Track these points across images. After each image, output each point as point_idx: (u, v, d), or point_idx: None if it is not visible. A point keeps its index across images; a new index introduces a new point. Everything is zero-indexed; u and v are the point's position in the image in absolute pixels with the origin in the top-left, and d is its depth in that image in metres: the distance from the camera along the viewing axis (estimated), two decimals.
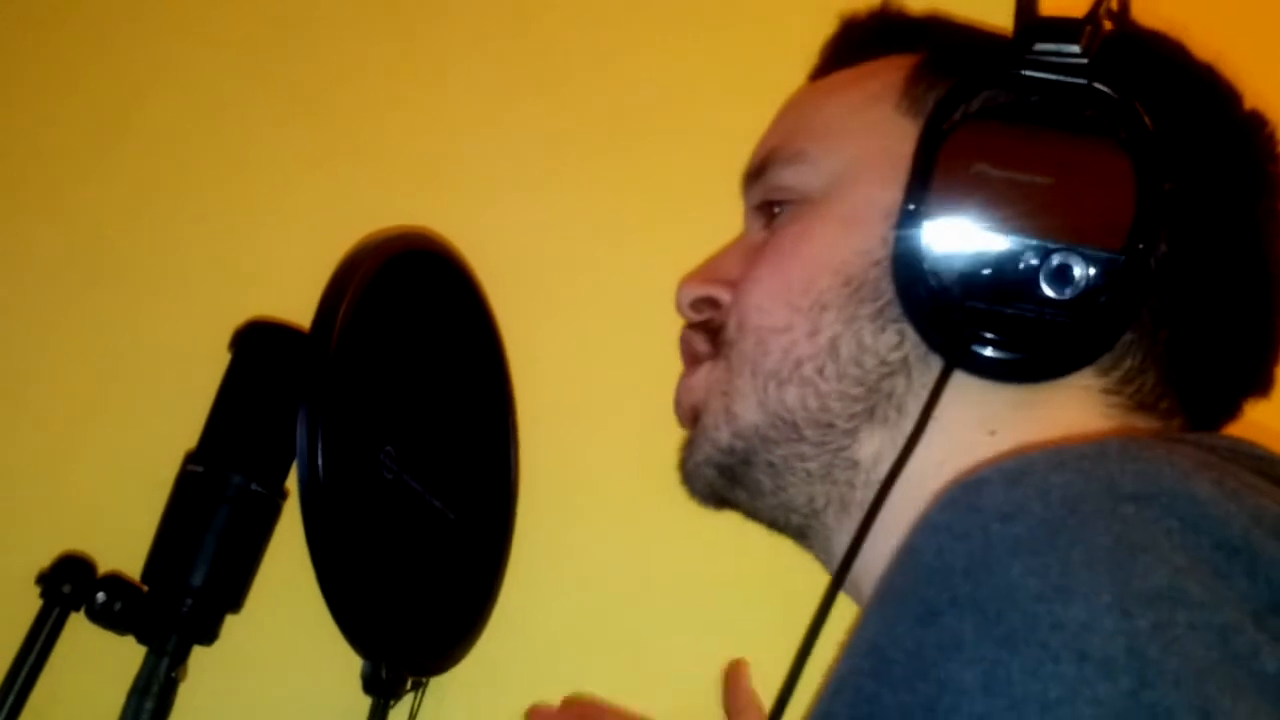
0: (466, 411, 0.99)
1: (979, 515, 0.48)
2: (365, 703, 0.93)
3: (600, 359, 1.06)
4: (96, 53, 1.16)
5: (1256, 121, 0.70)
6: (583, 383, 1.06)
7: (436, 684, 0.97)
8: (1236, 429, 0.71)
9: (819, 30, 0.87)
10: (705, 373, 0.74)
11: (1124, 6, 0.71)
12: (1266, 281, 0.69)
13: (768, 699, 0.62)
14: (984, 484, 0.49)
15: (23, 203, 1.13)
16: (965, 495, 0.49)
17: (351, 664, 0.89)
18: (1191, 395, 0.68)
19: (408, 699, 0.96)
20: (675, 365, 0.86)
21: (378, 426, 0.86)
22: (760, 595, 0.97)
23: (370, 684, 0.93)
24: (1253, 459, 0.56)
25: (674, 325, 0.82)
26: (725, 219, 0.85)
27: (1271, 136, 0.70)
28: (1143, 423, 0.67)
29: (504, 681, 1.01)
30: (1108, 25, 0.69)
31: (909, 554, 0.50)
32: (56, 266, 1.11)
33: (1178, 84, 0.69)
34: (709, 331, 0.75)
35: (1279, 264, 0.70)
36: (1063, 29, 0.64)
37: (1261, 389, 0.71)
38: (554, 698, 1.01)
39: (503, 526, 1.01)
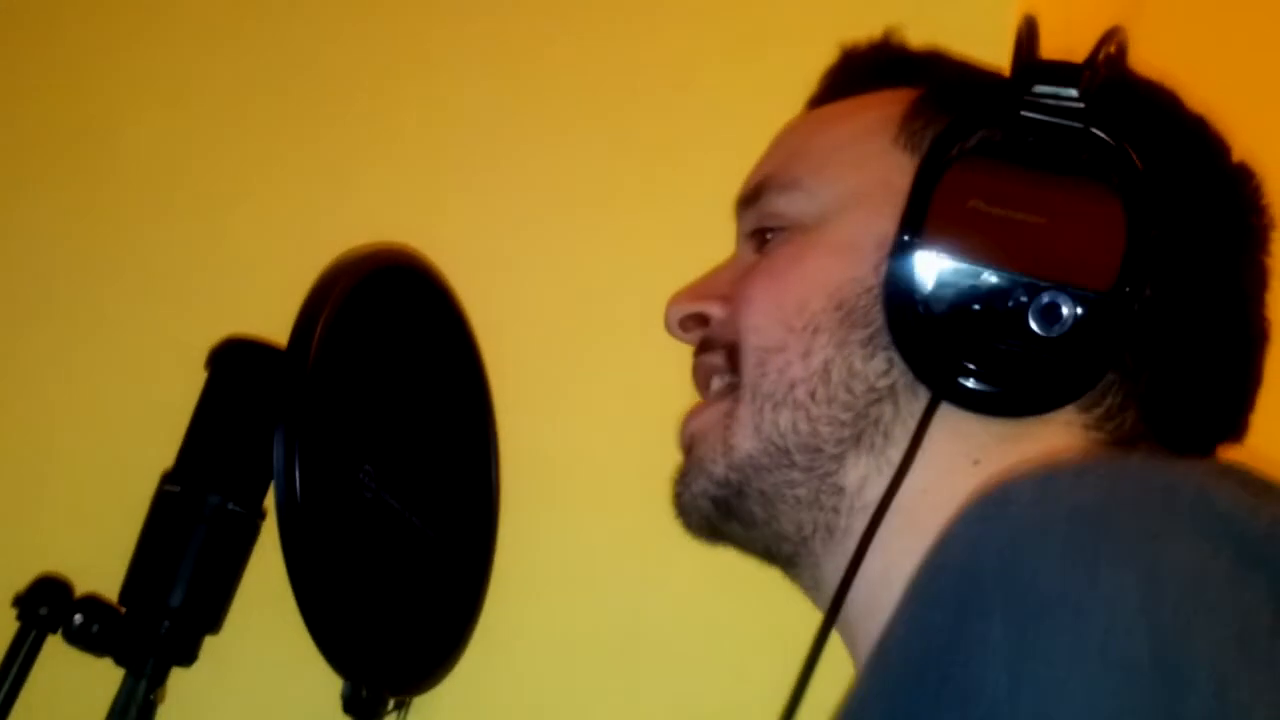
0: (446, 429, 0.98)
1: (1004, 523, 0.49)
2: None
3: (583, 375, 1.06)
4: (82, 73, 1.15)
5: (1244, 174, 0.72)
6: (565, 399, 1.05)
7: (419, 703, 0.97)
8: None
9: (813, 42, 0.87)
10: (715, 408, 0.75)
11: (1120, 53, 0.71)
12: (1245, 330, 0.71)
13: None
14: (1009, 494, 0.50)
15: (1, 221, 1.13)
16: (991, 506, 0.50)
17: (332, 684, 0.89)
18: (1167, 435, 0.69)
19: (390, 719, 0.95)
20: (659, 380, 0.86)
21: (356, 445, 0.86)
22: (751, 613, 0.97)
23: (351, 704, 0.92)
24: (1241, 476, 0.57)
25: (657, 340, 0.82)
26: (711, 232, 0.85)
27: (1258, 189, 0.72)
28: None
29: (487, 700, 1.00)
30: (1104, 70, 0.70)
31: (938, 563, 0.51)
32: (32, 285, 1.10)
33: (1170, 133, 0.71)
34: (726, 349, 0.75)
35: (1259, 313, 0.71)
36: (1062, 72, 0.66)
37: (1235, 435, 0.73)
38: (538, 716, 1.01)
39: (484, 544, 1.00)
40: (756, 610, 0.95)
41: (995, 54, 0.79)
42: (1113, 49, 0.69)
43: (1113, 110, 0.66)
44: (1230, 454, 0.73)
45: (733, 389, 0.73)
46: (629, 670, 1.01)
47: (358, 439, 0.86)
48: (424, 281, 0.98)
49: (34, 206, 1.13)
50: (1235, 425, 0.72)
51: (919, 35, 0.85)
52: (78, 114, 1.15)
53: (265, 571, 0.84)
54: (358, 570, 0.85)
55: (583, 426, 1.04)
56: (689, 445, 0.77)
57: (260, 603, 0.86)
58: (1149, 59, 0.74)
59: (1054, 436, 0.67)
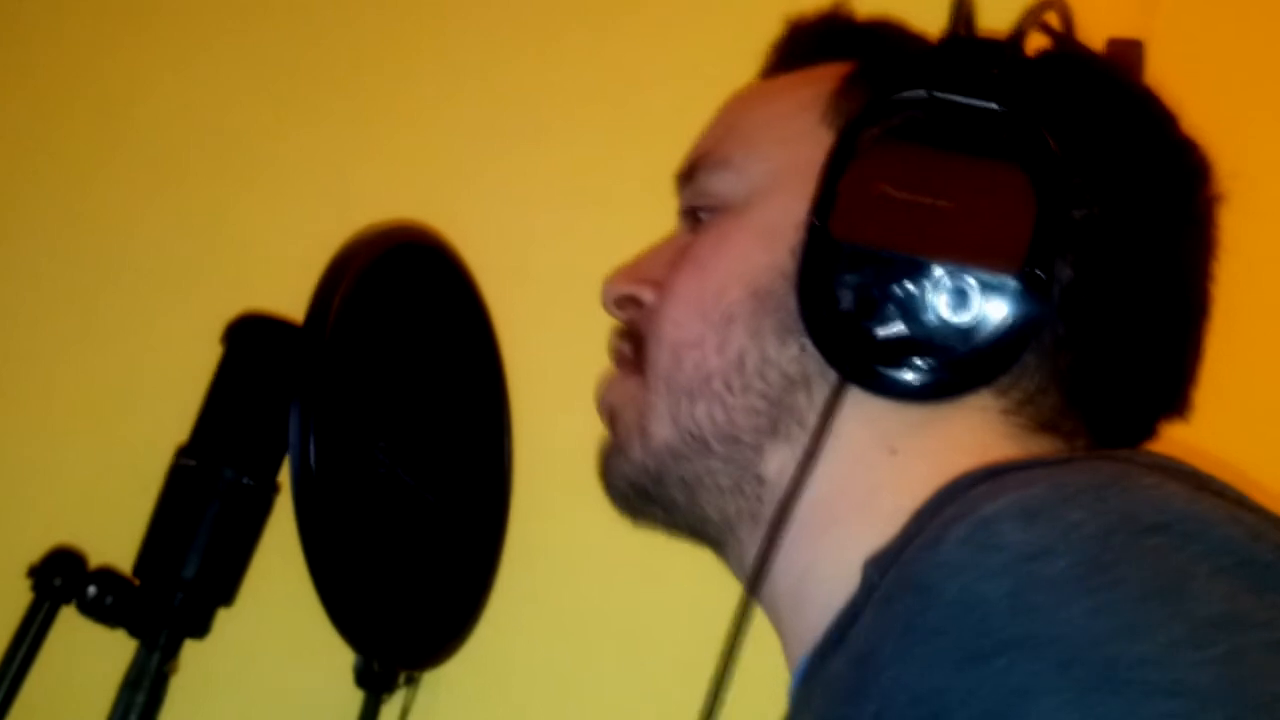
0: (460, 406, 0.98)
1: (1003, 553, 0.47)
2: (358, 696, 0.93)
3: (595, 353, 1.05)
4: (95, 46, 1.15)
5: (1188, 149, 0.69)
6: (577, 377, 1.05)
7: (430, 678, 0.97)
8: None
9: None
10: (626, 384, 0.75)
11: (1067, 25, 0.70)
12: (1184, 309, 0.69)
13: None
14: (994, 521, 0.49)
15: (17, 197, 1.13)
16: (978, 533, 0.49)
17: (344, 658, 0.89)
18: (1097, 417, 0.68)
19: (401, 693, 0.96)
20: None
21: (371, 420, 0.86)
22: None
23: (363, 678, 0.93)
24: (1185, 475, 0.56)
25: None
26: None
27: (1203, 164, 0.69)
28: (1045, 442, 0.66)
29: (497, 676, 1.01)
30: (1046, 42, 0.68)
31: (922, 592, 0.49)
32: (49, 260, 1.10)
33: (1105, 108, 0.68)
34: (634, 341, 0.74)
35: (1200, 291, 0.69)
36: (983, 48, 0.65)
37: (1178, 412, 0.71)
38: (548, 692, 1.01)
39: (497, 521, 1.00)
40: None
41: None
42: (1056, 21, 0.68)
43: (1038, 86, 0.64)
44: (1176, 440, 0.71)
45: (638, 367, 0.73)
46: (637, 648, 1.01)
47: (372, 415, 0.87)
48: (440, 259, 0.98)
49: (50, 185, 1.13)
50: (1175, 403, 0.70)
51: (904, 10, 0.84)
52: (93, 94, 1.14)
53: (279, 545, 0.84)
54: (371, 545, 0.85)
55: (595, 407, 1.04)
56: (609, 418, 0.77)
57: (274, 576, 0.87)
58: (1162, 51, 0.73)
59: (970, 423, 0.65)
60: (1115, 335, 0.67)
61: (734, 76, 0.84)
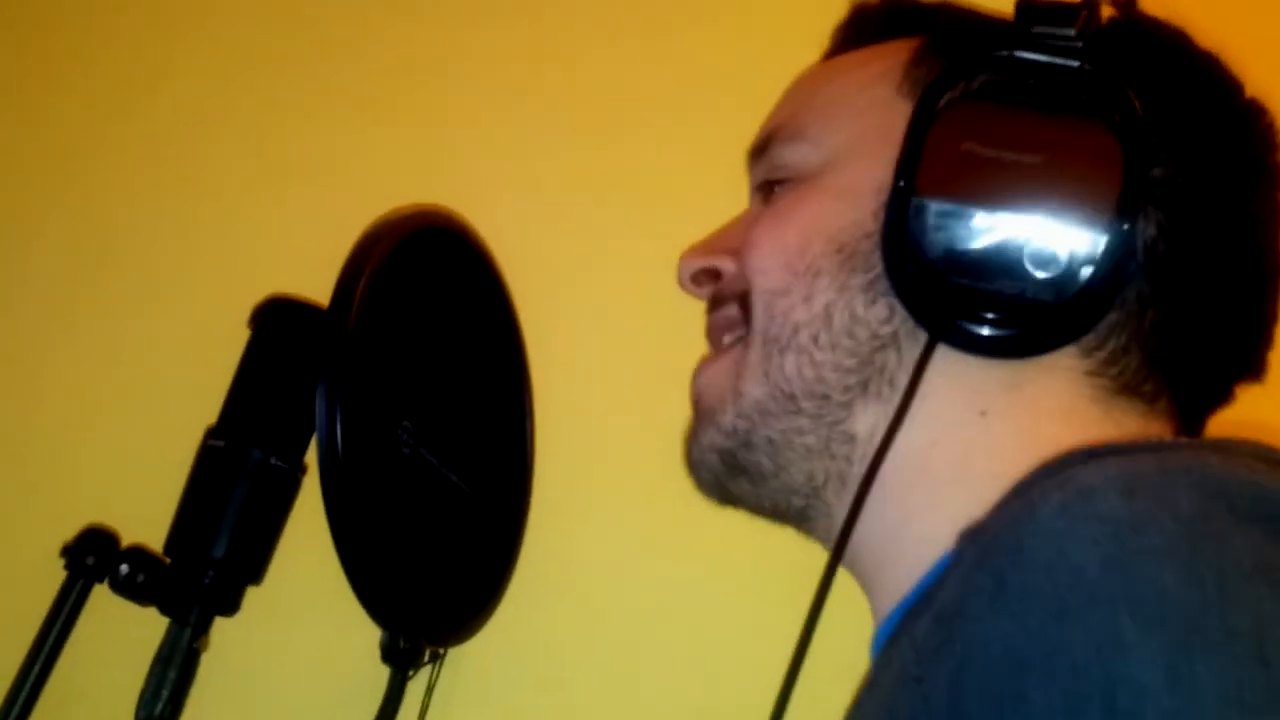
0: (483, 388, 0.99)
1: (1101, 522, 0.47)
2: (384, 673, 0.94)
3: (615, 336, 1.06)
4: (114, 29, 1.16)
5: (1255, 111, 0.71)
6: (598, 360, 1.06)
7: (454, 655, 0.98)
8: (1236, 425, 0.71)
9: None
10: (719, 363, 0.75)
11: None
12: (1259, 268, 0.70)
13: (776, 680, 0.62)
14: (1094, 492, 0.49)
15: (48, 177, 1.14)
16: (1077, 502, 0.49)
17: (370, 634, 0.90)
18: (1179, 378, 0.68)
19: (425, 669, 0.97)
20: (690, 340, 0.87)
21: (395, 401, 0.87)
22: (781, 570, 0.97)
23: (389, 654, 0.93)
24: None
25: (690, 305, 0.83)
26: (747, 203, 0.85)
27: (1270, 127, 0.71)
28: (1128, 405, 0.67)
29: (520, 653, 1.02)
30: (1111, 10, 0.69)
31: (1015, 553, 0.49)
32: (78, 242, 1.11)
33: (1177, 71, 0.70)
34: (739, 300, 0.75)
35: (1273, 251, 0.70)
36: (1060, 12, 0.66)
37: (1254, 374, 0.72)
38: (569, 670, 1.02)
39: (518, 501, 1.01)
40: (788, 573, 0.96)
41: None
42: None
43: (1114, 48, 0.65)
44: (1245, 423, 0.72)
45: (743, 340, 0.74)
46: (658, 628, 1.02)
47: (397, 396, 0.88)
48: (463, 243, 0.99)
49: (78, 171, 1.13)
50: (1251, 364, 0.71)
51: None
52: (118, 82, 1.15)
53: (307, 524, 0.85)
54: (397, 524, 0.86)
55: (617, 388, 1.05)
56: (696, 399, 0.77)
57: (302, 554, 0.88)
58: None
59: (1056, 384, 0.66)
60: (1197, 293, 0.68)
61: (762, 71, 0.85)
